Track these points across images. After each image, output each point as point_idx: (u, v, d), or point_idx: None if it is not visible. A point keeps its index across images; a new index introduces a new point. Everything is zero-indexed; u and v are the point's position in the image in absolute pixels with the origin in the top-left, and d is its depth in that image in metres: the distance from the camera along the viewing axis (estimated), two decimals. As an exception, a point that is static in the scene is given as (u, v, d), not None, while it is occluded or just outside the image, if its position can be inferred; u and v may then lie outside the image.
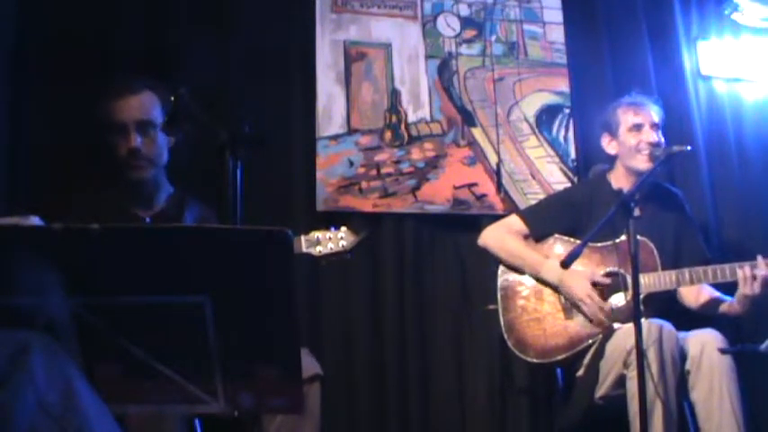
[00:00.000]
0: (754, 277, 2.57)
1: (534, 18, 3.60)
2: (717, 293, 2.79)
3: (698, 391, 2.49)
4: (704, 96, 3.69)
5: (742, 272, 2.59)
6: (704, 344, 2.51)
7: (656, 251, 2.74)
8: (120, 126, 2.35)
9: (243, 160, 1.95)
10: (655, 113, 2.91)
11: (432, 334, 3.23)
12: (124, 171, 2.38)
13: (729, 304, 2.72)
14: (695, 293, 2.83)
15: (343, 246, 2.33)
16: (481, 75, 3.49)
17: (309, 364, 2.23)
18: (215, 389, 1.43)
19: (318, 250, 2.31)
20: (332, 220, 3.08)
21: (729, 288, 2.73)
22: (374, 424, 3.08)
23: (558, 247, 2.85)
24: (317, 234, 2.33)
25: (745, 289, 2.58)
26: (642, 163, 2.83)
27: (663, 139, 2.88)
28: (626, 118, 2.91)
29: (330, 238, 2.33)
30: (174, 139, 2.45)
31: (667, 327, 2.50)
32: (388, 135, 3.33)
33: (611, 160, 2.98)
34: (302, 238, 2.32)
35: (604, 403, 2.58)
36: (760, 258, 2.61)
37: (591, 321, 2.71)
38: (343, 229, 2.35)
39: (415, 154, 3.33)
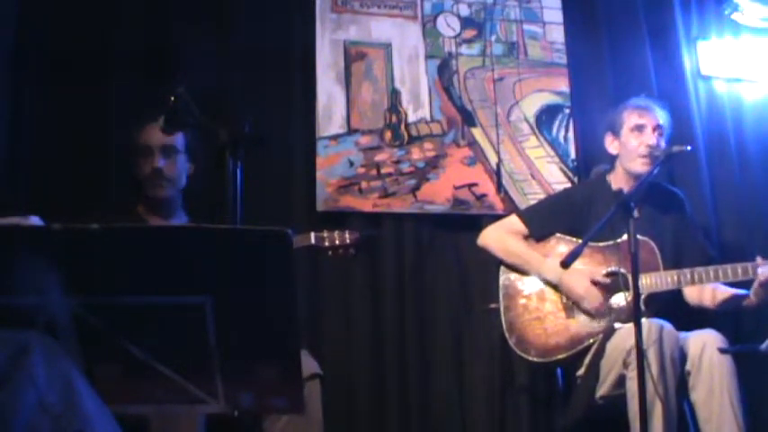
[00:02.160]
0: None
1: (534, 18, 3.60)
2: (732, 290, 2.76)
3: (698, 391, 2.49)
4: (704, 96, 3.68)
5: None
6: (704, 344, 2.51)
7: (657, 251, 2.74)
8: (146, 148, 2.55)
9: (243, 160, 1.95)
10: (660, 117, 2.90)
11: (432, 334, 3.23)
12: (146, 189, 2.57)
13: (749, 298, 2.68)
14: (709, 293, 2.81)
15: (348, 241, 2.57)
16: (481, 75, 3.49)
17: (308, 364, 2.26)
18: (215, 389, 1.43)
19: (326, 243, 2.57)
20: (332, 220, 3.09)
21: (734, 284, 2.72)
22: (374, 424, 3.08)
23: (559, 246, 2.85)
24: (325, 232, 2.58)
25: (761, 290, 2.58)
26: (640, 167, 2.83)
27: (664, 145, 2.87)
28: (630, 119, 2.90)
29: (337, 236, 2.58)
30: (193, 167, 2.65)
31: (668, 327, 2.50)
32: (388, 135, 3.33)
33: (612, 161, 2.98)
34: (312, 233, 2.56)
35: (604, 403, 2.58)
36: (760, 259, 2.60)
37: (592, 317, 2.72)
38: (348, 231, 2.61)
39: (415, 154, 3.33)
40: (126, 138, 2.61)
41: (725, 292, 2.78)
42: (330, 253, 2.58)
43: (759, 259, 2.60)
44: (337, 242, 2.56)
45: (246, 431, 1.91)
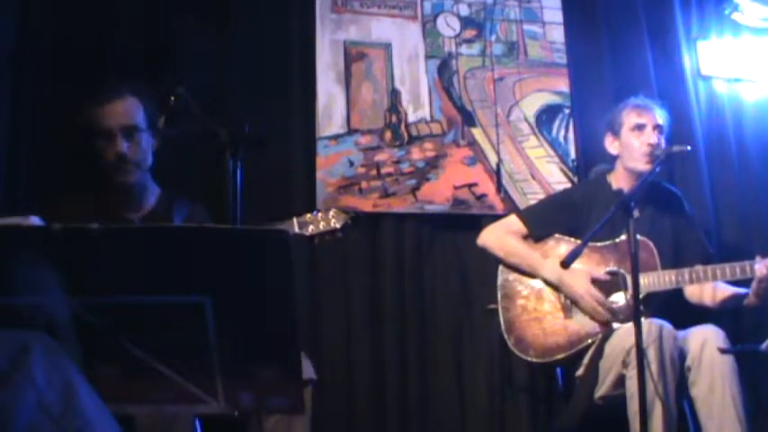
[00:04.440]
0: None
1: (534, 18, 3.60)
2: (734, 289, 2.76)
3: (699, 387, 2.48)
4: (704, 96, 3.69)
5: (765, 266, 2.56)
6: (705, 340, 2.51)
7: (656, 251, 2.74)
8: (107, 132, 2.37)
9: (243, 160, 1.95)
10: (659, 116, 2.91)
11: (432, 334, 3.23)
12: (112, 176, 2.40)
13: (749, 297, 2.68)
14: (710, 292, 2.82)
15: (333, 224, 2.39)
16: (481, 75, 3.49)
17: (304, 368, 2.23)
18: (215, 389, 1.43)
19: (311, 229, 2.38)
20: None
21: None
22: (374, 424, 3.08)
23: (559, 246, 2.85)
24: (307, 215, 2.40)
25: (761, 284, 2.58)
26: (641, 165, 2.83)
27: (664, 144, 2.88)
28: (629, 118, 2.91)
29: (321, 219, 2.39)
30: (157, 143, 2.49)
31: (667, 326, 2.50)
32: (388, 135, 3.33)
33: (613, 161, 2.98)
34: (294, 219, 2.39)
35: (604, 403, 2.58)
36: (758, 258, 2.60)
37: (591, 316, 2.72)
38: (333, 210, 2.42)
39: (415, 154, 3.33)
40: (85, 120, 2.41)
41: (725, 290, 2.78)
42: (316, 240, 2.41)
43: (758, 258, 2.61)
44: (321, 228, 2.39)
45: (246, 431, 1.91)
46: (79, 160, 2.59)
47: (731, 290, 2.77)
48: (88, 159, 2.44)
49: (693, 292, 2.85)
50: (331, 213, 2.41)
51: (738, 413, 2.42)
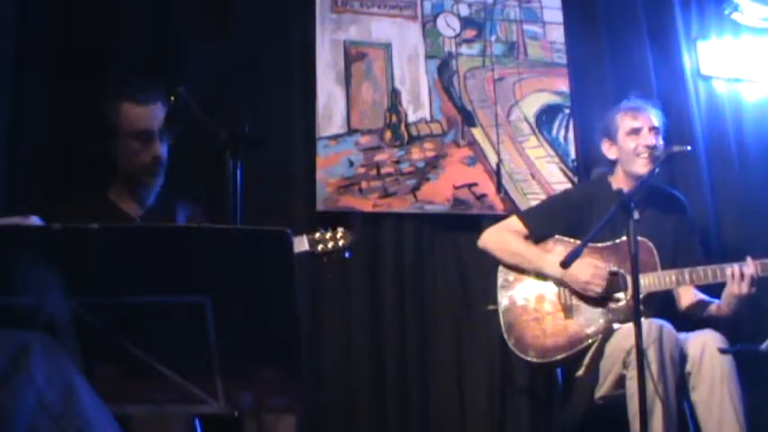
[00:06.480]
0: (742, 276, 2.58)
1: (534, 18, 3.60)
2: (702, 296, 2.81)
3: (699, 392, 2.49)
4: (704, 96, 3.68)
5: (731, 270, 2.60)
6: (705, 344, 2.51)
7: (656, 251, 2.74)
8: (146, 133, 2.41)
9: (243, 160, 1.95)
10: (654, 117, 2.91)
11: (432, 334, 3.23)
12: (141, 176, 2.44)
13: (717, 306, 2.73)
14: (681, 297, 2.84)
15: (341, 244, 2.48)
16: (481, 75, 3.49)
17: None
18: (215, 389, 1.43)
19: (320, 248, 2.47)
20: (332, 219, 3.09)
21: (717, 290, 2.73)
22: (374, 424, 3.08)
23: (559, 247, 2.85)
24: (317, 233, 2.49)
25: (732, 287, 2.60)
26: (641, 167, 2.83)
27: (662, 143, 2.88)
28: (624, 122, 2.91)
29: (329, 237, 2.49)
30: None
31: (667, 327, 2.50)
32: (388, 135, 3.33)
33: (612, 164, 2.98)
34: (305, 236, 2.47)
35: (604, 403, 2.58)
36: (749, 259, 2.62)
37: (598, 304, 2.71)
38: (341, 229, 2.51)
39: (415, 154, 3.33)
40: (117, 118, 2.43)
41: (694, 296, 2.80)
42: (325, 259, 2.49)
43: (749, 259, 2.62)
44: (330, 246, 2.47)
45: (246, 431, 1.91)
46: (85, 157, 2.62)
47: (698, 296, 2.80)
48: (104, 157, 2.45)
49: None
50: (339, 233, 2.50)
51: (737, 414, 2.43)
